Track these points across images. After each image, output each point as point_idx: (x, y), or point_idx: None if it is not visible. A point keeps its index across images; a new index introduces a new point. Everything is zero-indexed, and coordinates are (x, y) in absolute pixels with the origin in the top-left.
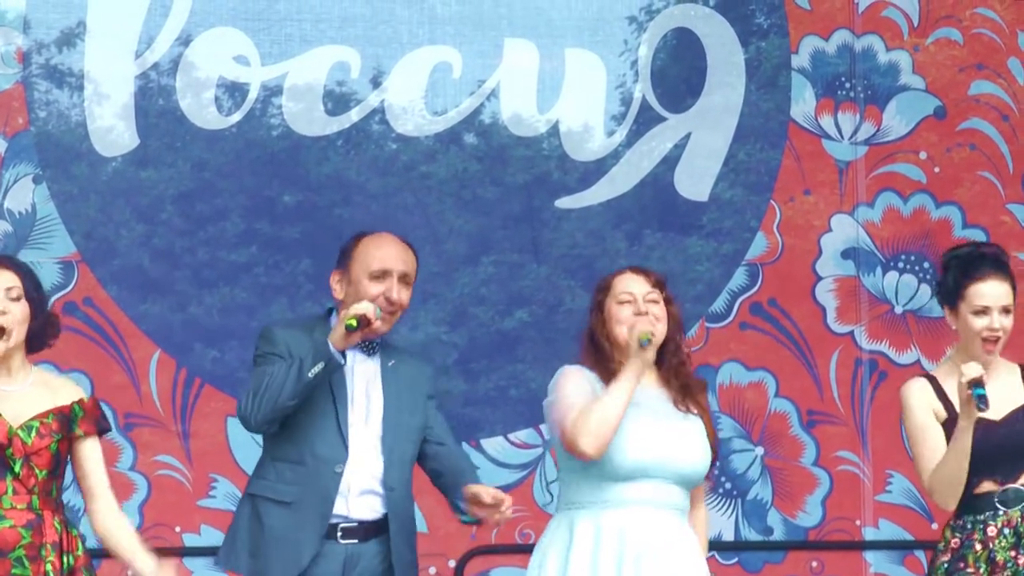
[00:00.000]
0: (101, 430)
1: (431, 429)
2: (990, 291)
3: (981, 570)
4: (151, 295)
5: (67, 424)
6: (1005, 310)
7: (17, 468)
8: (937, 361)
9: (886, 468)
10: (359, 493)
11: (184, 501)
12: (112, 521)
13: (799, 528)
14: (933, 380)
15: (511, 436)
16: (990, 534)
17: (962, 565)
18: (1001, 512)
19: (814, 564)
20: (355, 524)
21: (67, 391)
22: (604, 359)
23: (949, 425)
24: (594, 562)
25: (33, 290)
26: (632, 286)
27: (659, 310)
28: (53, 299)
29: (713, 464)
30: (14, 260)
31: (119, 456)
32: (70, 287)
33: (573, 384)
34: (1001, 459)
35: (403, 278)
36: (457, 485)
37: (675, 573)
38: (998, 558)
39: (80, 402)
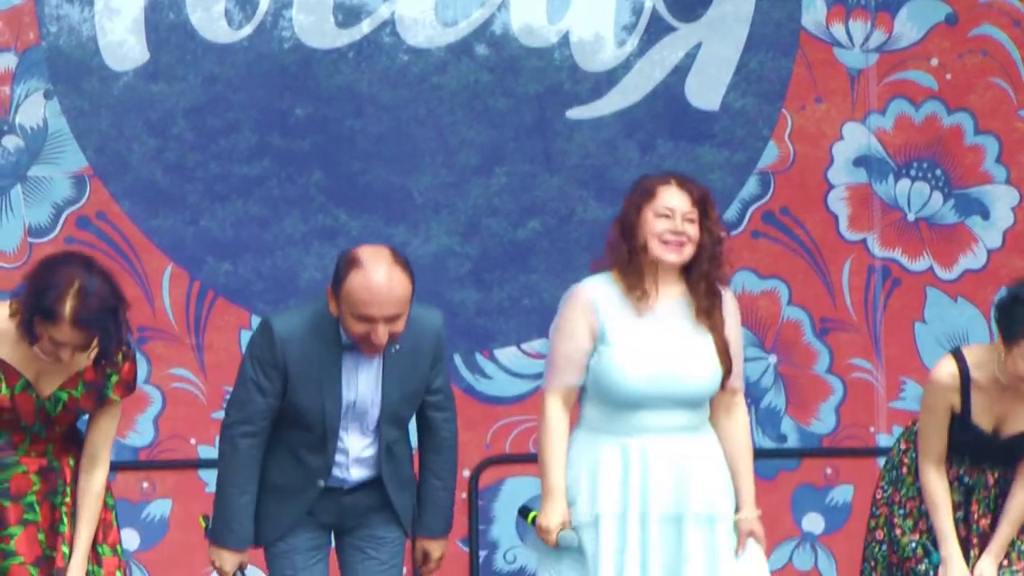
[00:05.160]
0: (130, 391)
1: (433, 393)
2: None
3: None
4: (163, 209)
5: (97, 392)
6: None
7: (36, 428)
8: (949, 268)
9: (899, 375)
10: (350, 471)
11: (199, 413)
12: (93, 495)
13: (813, 435)
14: (963, 372)
15: (524, 346)
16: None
17: None
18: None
19: (828, 471)
20: (352, 486)
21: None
22: (626, 261)
23: (956, 421)
24: (625, 487)
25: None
26: (674, 201)
27: (694, 230)
28: (65, 213)
29: (728, 374)
30: (88, 326)
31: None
32: (82, 201)
33: (567, 330)
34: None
35: (389, 320)
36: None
37: (699, 497)
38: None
39: (114, 366)
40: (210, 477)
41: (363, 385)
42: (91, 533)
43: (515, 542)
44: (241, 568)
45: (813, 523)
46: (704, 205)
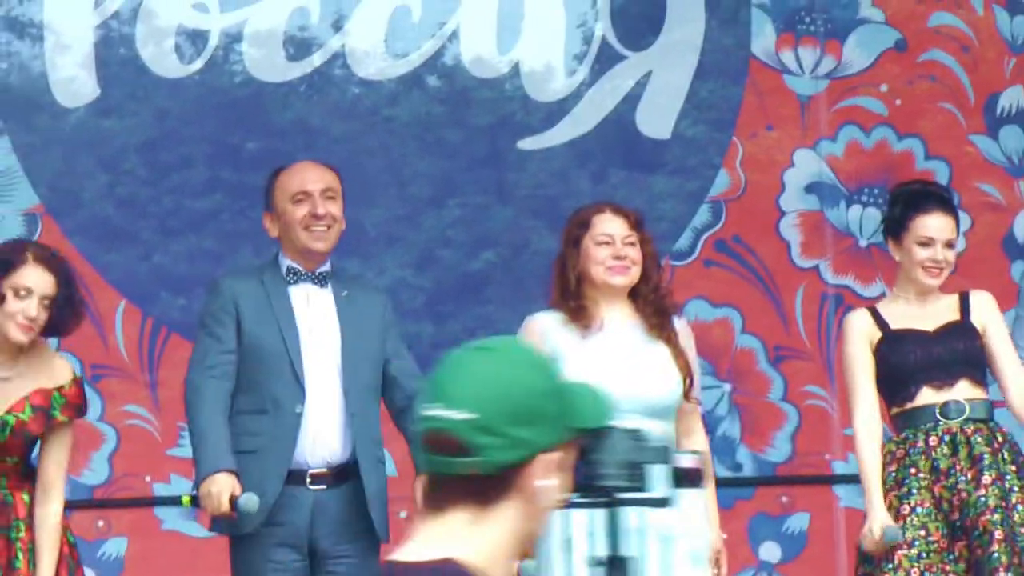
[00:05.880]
0: (79, 414)
1: (392, 359)
2: (935, 223)
3: (926, 477)
4: (116, 245)
5: (44, 415)
6: (948, 244)
7: None
8: None
9: None
10: (323, 431)
11: (153, 450)
12: (50, 527)
13: (768, 463)
14: (873, 310)
15: None
16: (931, 443)
17: (913, 471)
18: (941, 423)
19: (784, 499)
20: (323, 468)
21: (52, 374)
22: (573, 295)
23: (884, 343)
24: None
25: (65, 294)
26: (612, 227)
27: (636, 253)
28: None
29: (691, 386)
30: (60, 260)
31: (87, 407)
32: (34, 239)
33: None
34: (937, 368)
35: (325, 192)
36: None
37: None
38: (940, 465)
39: (61, 389)
40: (166, 514)
41: (319, 323)
42: (53, 565)
43: None
44: (233, 499)
45: (770, 552)
46: (642, 227)
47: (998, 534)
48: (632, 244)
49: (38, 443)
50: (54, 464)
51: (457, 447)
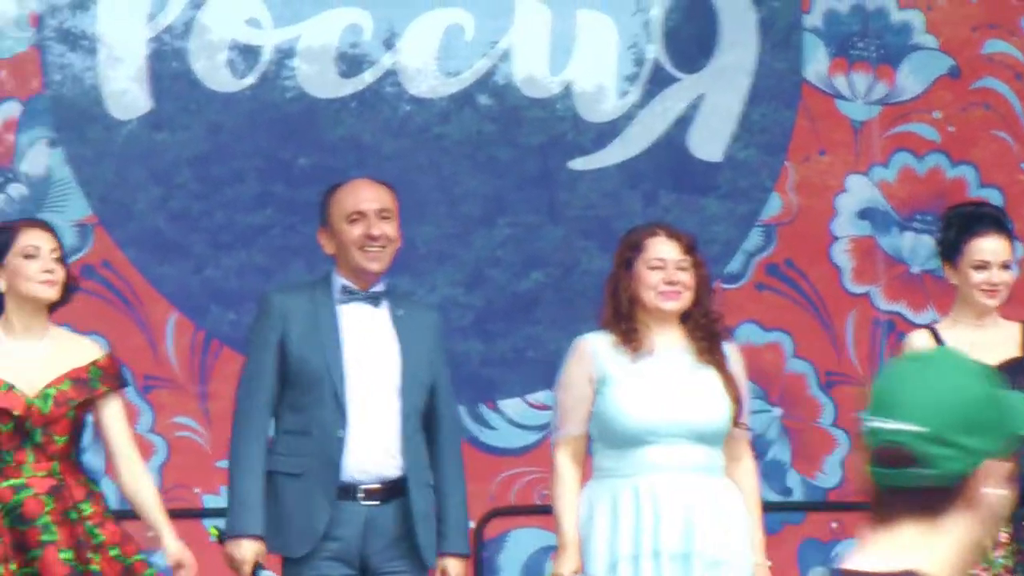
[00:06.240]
0: (121, 384)
1: (437, 384)
2: (989, 246)
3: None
4: (168, 257)
5: (85, 386)
6: (1004, 265)
7: (37, 438)
8: None
9: None
10: (371, 455)
11: (203, 462)
12: (136, 483)
13: (818, 489)
14: (933, 331)
15: (528, 397)
16: None
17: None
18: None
19: (834, 525)
20: (376, 484)
21: (82, 351)
22: (624, 318)
23: None
24: (636, 529)
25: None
26: (665, 251)
27: (688, 277)
28: (70, 262)
29: (739, 412)
30: (49, 223)
31: (137, 418)
32: (87, 250)
33: (567, 382)
34: None
35: (380, 213)
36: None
37: (707, 535)
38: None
39: (96, 362)
40: (215, 526)
41: (373, 343)
42: (157, 501)
43: None
44: (259, 563)
45: None
46: (693, 251)
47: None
48: (684, 269)
49: (84, 430)
50: (116, 436)
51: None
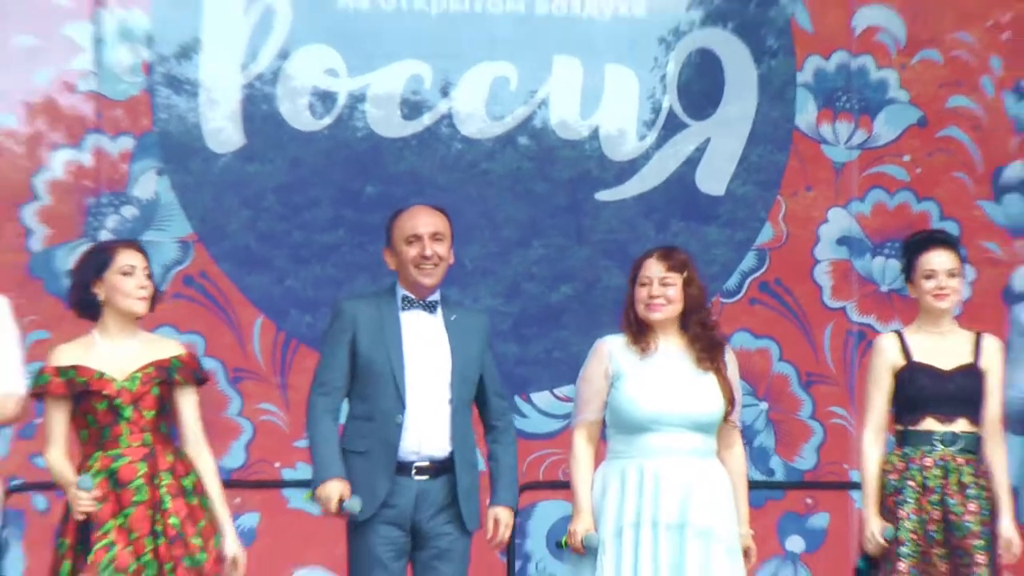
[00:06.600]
0: (198, 381)
1: (486, 376)
2: (936, 258)
3: (917, 490)
4: (255, 270)
5: (166, 373)
6: (950, 273)
7: (128, 413)
8: None
9: None
10: (426, 434)
11: (283, 442)
12: (201, 472)
13: (796, 471)
14: (899, 334)
15: (556, 391)
16: (926, 464)
17: (911, 483)
18: (938, 449)
19: (808, 501)
20: (427, 462)
21: (166, 348)
22: (634, 324)
23: (905, 371)
24: (639, 501)
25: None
26: (650, 270)
27: (674, 291)
28: (172, 272)
29: (731, 412)
30: (141, 244)
31: (228, 404)
32: (187, 263)
33: (587, 376)
34: (946, 403)
35: (434, 236)
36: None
37: (699, 509)
38: (930, 484)
39: (178, 356)
40: (291, 495)
41: (429, 343)
42: (224, 506)
43: (544, 554)
44: (342, 500)
45: (795, 544)
46: (684, 270)
47: (980, 557)
48: (668, 285)
49: (169, 407)
50: (188, 423)
51: None
